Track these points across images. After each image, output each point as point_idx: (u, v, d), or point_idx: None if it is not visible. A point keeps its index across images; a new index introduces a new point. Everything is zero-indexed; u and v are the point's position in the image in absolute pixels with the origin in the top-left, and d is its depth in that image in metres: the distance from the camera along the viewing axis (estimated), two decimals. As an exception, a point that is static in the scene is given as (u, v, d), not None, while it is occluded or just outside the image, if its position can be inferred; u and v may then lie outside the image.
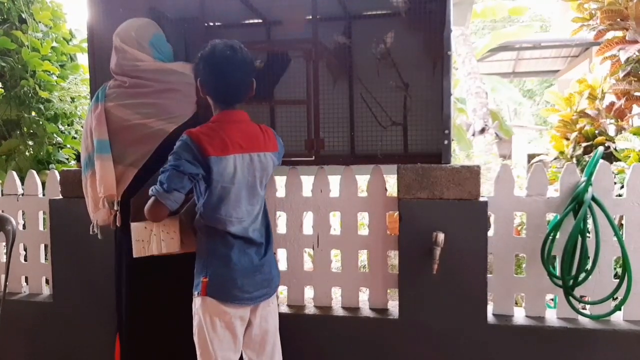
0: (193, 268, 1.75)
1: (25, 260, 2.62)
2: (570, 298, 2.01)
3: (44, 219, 2.59)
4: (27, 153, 3.26)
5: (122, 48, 1.93)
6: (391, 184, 3.42)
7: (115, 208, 1.86)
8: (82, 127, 3.01)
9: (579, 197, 1.97)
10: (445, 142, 2.11)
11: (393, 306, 2.24)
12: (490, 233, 2.11)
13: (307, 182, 2.29)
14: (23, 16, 3.24)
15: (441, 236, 1.96)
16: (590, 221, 1.97)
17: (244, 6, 2.33)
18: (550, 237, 2.01)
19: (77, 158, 3.38)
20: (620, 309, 2.03)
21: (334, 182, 2.27)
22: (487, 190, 3.32)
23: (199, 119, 1.98)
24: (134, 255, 1.73)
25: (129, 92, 1.91)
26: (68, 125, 3.51)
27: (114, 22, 2.04)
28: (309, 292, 2.36)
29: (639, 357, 1.97)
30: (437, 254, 1.95)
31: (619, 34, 3.27)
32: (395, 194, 2.15)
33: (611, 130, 3.70)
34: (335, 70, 2.41)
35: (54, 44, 3.34)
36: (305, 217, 2.34)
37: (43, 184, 2.59)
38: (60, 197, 2.43)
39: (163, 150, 1.85)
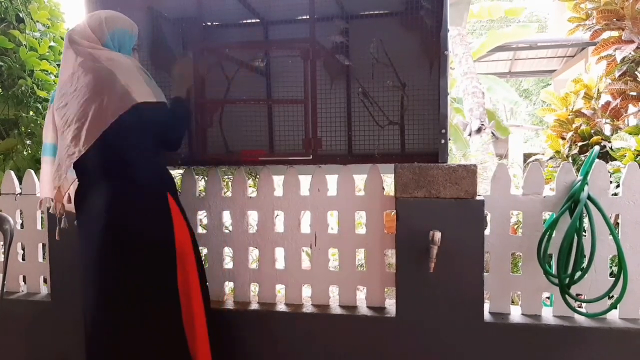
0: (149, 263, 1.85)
1: (23, 259, 2.61)
2: (567, 296, 2.02)
3: (41, 218, 2.60)
4: (24, 152, 3.25)
5: (85, 24, 1.88)
6: (388, 183, 3.43)
7: (52, 212, 1.98)
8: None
9: (575, 196, 1.99)
10: (442, 141, 2.12)
11: (390, 305, 2.26)
12: (486, 232, 2.12)
13: (305, 181, 2.30)
14: (20, 15, 3.23)
15: (438, 235, 1.97)
16: (586, 220, 1.99)
17: (241, 6, 2.33)
18: (547, 236, 2.02)
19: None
20: (616, 307, 2.04)
21: (332, 181, 2.28)
22: (483, 189, 3.33)
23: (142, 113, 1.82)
24: None
25: (67, 93, 1.87)
26: (65, 124, 3.50)
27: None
28: (306, 291, 2.37)
29: (634, 354, 1.99)
30: (434, 252, 1.96)
31: (615, 33, 3.29)
32: (392, 193, 2.16)
33: (607, 130, 3.72)
34: (332, 70, 2.41)
35: (52, 43, 3.33)
36: (302, 216, 2.34)
37: (41, 183, 2.58)
38: (58, 196, 2.43)
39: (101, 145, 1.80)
